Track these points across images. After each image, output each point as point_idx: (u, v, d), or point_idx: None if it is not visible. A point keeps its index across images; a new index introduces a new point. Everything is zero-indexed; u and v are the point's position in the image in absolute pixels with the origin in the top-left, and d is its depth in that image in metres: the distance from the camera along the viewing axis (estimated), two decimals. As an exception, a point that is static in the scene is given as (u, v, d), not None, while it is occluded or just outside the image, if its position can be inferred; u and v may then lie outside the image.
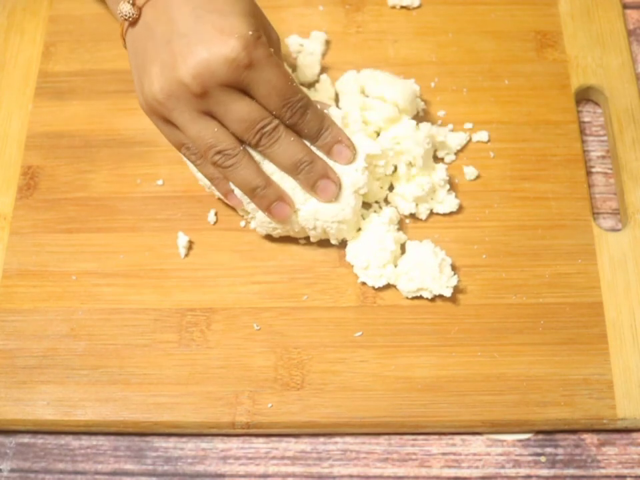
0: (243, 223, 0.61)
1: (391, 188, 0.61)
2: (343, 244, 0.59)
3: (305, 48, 0.67)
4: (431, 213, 0.61)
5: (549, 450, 0.55)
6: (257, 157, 0.55)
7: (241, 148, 0.54)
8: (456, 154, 0.63)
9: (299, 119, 0.54)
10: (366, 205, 0.61)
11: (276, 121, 0.54)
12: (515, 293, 0.58)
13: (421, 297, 0.58)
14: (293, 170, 0.55)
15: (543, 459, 0.55)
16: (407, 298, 0.58)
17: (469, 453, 0.55)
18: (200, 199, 0.61)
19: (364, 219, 0.60)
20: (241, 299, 0.58)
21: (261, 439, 0.56)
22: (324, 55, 0.67)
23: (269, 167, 0.55)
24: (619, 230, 0.61)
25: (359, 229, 0.59)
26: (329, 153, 0.56)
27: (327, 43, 0.68)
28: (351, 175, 0.56)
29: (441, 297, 0.58)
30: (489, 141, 0.64)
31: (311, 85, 0.66)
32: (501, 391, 0.55)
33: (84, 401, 0.56)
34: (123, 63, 0.62)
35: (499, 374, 0.56)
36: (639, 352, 0.56)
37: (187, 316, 0.58)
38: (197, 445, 0.56)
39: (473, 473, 0.54)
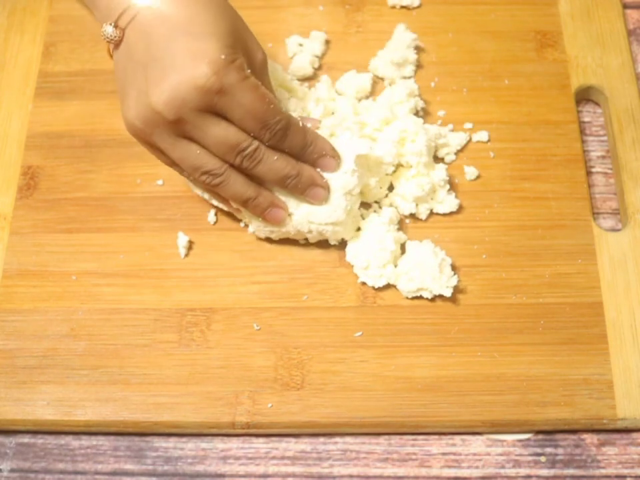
0: (242, 223, 0.61)
1: (391, 188, 0.61)
2: (342, 244, 0.59)
3: (304, 48, 0.67)
4: (431, 213, 0.61)
5: (548, 450, 0.55)
6: None
7: (227, 165, 0.54)
8: (456, 154, 0.63)
9: (280, 140, 0.54)
10: (366, 205, 0.61)
11: (255, 143, 0.53)
12: (515, 293, 0.58)
13: (421, 297, 0.58)
14: (281, 184, 0.55)
15: (543, 459, 0.55)
16: (407, 298, 0.58)
17: (469, 452, 0.55)
18: (200, 199, 0.61)
19: (364, 218, 0.60)
20: (241, 299, 0.58)
21: (261, 439, 0.56)
22: (324, 54, 0.67)
23: None
24: (618, 230, 0.61)
25: (359, 229, 0.59)
26: (314, 165, 0.56)
27: (327, 42, 0.68)
28: (340, 178, 0.56)
29: (441, 296, 0.58)
30: (488, 141, 0.64)
31: (309, 79, 0.66)
32: (501, 390, 0.55)
33: (84, 401, 0.56)
34: (123, 62, 0.62)
35: (499, 374, 0.56)
36: (639, 352, 0.56)
37: (186, 316, 0.58)
38: (197, 445, 0.56)
39: (473, 473, 0.54)
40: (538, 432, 0.56)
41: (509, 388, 0.55)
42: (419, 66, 0.66)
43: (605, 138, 0.65)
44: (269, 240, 0.60)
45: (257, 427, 0.55)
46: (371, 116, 0.61)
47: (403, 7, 0.69)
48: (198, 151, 0.53)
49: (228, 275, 0.59)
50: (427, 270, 0.57)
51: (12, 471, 0.55)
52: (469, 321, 0.57)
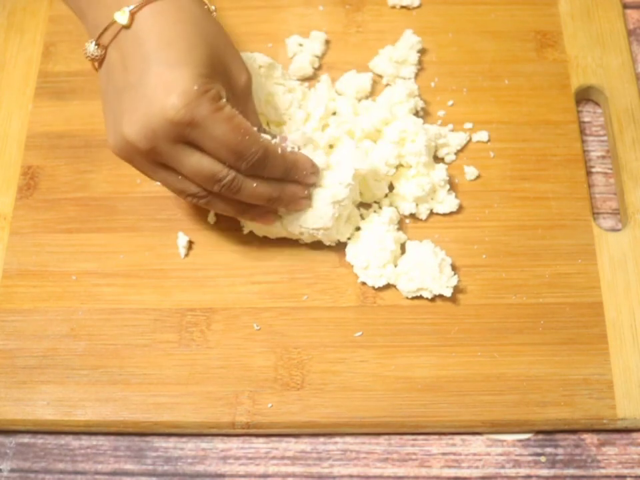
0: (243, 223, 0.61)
1: (391, 188, 0.61)
2: (342, 244, 0.59)
3: (304, 48, 0.67)
4: (431, 213, 0.61)
5: (549, 450, 0.55)
6: None
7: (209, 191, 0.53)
8: (456, 154, 0.63)
9: (258, 168, 0.52)
10: (366, 205, 0.61)
11: (232, 174, 0.52)
12: (515, 293, 0.58)
13: (421, 297, 0.58)
14: (263, 204, 0.55)
15: (543, 459, 0.55)
16: (407, 298, 0.58)
17: (468, 452, 0.55)
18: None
19: (364, 218, 0.60)
20: (241, 299, 0.58)
21: (261, 439, 0.56)
22: (324, 54, 0.67)
23: None
24: (619, 230, 0.61)
25: (359, 229, 0.59)
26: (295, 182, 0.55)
27: (327, 42, 0.68)
28: (333, 187, 0.56)
29: (441, 296, 0.58)
30: (488, 140, 0.64)
31: (309, 79, 0.66)
32: (501, 390, 0.55)
33: (84, 401, 0.56)
34: (123, 62, 0.62)
35: (499, 374, 0.56)
36: (639, 352, 0.56)
37: (186, 316, 0.58)
38: (197, 445, 0.56)
39: (473, 473, 0.54)
40: (538, 432, 0.56)
41: (509, 388, 0.55)
42: (418, 66, 0.66)
43: (605, 138, 0.65)
44: (268, 240, 0.60)
45: (257, 427, 0.55)
46: (371, 116, 0.61)
47: (403, 7, 0.69)
48: (179, 177, 0.53)
49: (228, 275, 0.59)
50: (427, 270, 0.57)
51: (12, 470, 0.55)
52: (468, 321, 0.57)
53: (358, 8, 0.69)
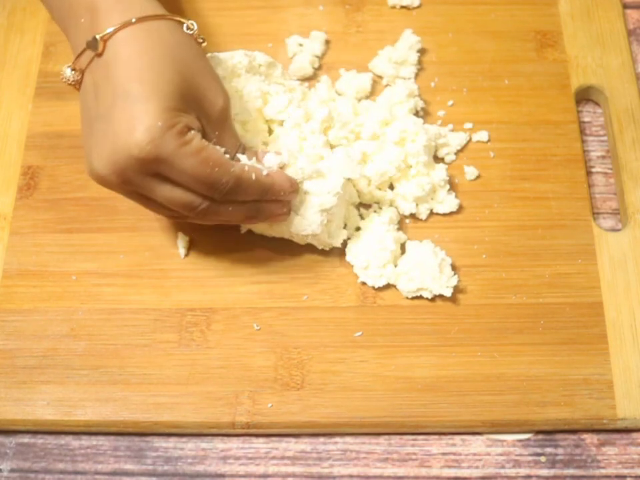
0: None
1: (391, 188, 0.61)
2: (342, 244, 0.59)
3: (304, 48, 0.67)
4: (431, 213, 0.61)
5: (549, 450, 0.55)
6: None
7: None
8: (456, 154, 0.63)
9: (231, 196, 0.52)
10: (366, 205, 0.61)
11: (206, 203, 0.51)
12: (515, 293, 0.58)
13: (421, 297, 0.58)
14: (241, 222, 0.55)
15: (543, 459, 0.55)
16: (407, 298, 0.58)
17: (469, 452, 0.55)
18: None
19: (363, 218, 0.60)
20: (241, 299, 0.58)
21: (261, 439, 0.56)
22: (324, 54, 0.67)
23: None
24: (618, 230, 0.61)
25: (359, 229, 0.59)
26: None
27: (327, 42, 0.68)
28: (321, 196, 0.55)
29: (441, 296, 0.58)
30: (488, 140, 0.64)
31: (309, 79, 0.66)
32: (501, 390, 0.55)
33: (84, 401, 0.56)
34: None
35: (499, 374, 0.56)
36: (639, 352, 0.56)
37: (186, 316, 0.58)
38: (197, 445, 0.56)
39: (473, 473, 0.54)
40: (538, 432, 0.56)
41: (509, 388, 0.55)
42: (418, 66, 0.66)
43: (605, 138, 0.65)
44: (268, 240, 0.60)
45: (257, 427, 0.55)
46: (371, 116, 0.61)
47: (403, 7, 0.69)
48: (153, 207, 0.53)
49: (228, 275, 0.59)
50: (427, 270, 0.57)
51: (12, 470, 0.55)
52: (468, 321, 0.57)
53: (358, 8, 0.69)
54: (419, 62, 0.66)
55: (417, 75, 0.66)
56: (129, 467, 0.55)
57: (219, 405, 0.55)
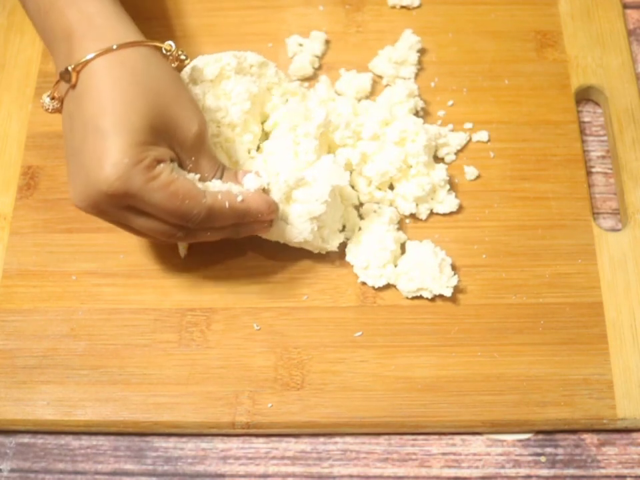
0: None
1: (391, 188, 0.61)
2: (342, 244, 0.59)
3: (304, 48, 0.67)
4: (431, 213, 0.61)
5: (549, 450, 0.55)
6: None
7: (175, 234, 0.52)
8: (456, 154, 0.63)
9: (206, 224, 0.52)
10: (366, 205, 0.61)
11: (181, 232, 0.52)
12: (515, 293, 0.58)
13: (421, 297, 0.58)
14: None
15: (543, 459, 0.55)
16: (407, 298, 0.58)
17: (468, 452, 0.55)
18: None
19: (363, 218, 0.60)
20: (241, 299, 0.58)
21: (261, 439, 0.56)
22: (324, 54, 0.67)
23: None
24: (619, 230, 0.61)
25: (359, 229, 0.59)
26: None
27: (327, 42, 0.68)
28: (309, 204, 0.55)
29: (441, 296, 0.58)
30: (488, 140, 0.64)
31: (309, 79, 0.66)
32: (501, 390, 0.55)
33: (84, 401, 0.56)
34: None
35: (499, 374, 0.56)
36: (639, 352, 0.56)
37: (186, 316, 0.58)
38: (197, 445, 0.56)
39: (473, 473, 0.54)
40: (538, 432, 0.56)
41: (509, 388, 0.55)
42: (418, 66, 0.66)
43: (605, 138, 0.65)
44: (269, 240, 0.60)
45: (257, 427, 0.55)
46: (371, 117, 0.61)
47: (403, 7, 0.69)
48: (135, 232, 0.53)
49: (228, 275, 0.59)
50: (426, 270, 0.57)
51: (12, 470, 0.55)
52: (468, 321, 0.57)
53: (358, 8, 0.69)
54: (419, 62, 0.66)
55: (417, 75, 0.66)
56: (129, 466, 0.55)
57: (219, 405, 0.55)
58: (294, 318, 0.58)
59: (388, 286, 0.58)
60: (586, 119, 0.66)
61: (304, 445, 0.56)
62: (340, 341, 0.57)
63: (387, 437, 0.56)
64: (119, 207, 0.50)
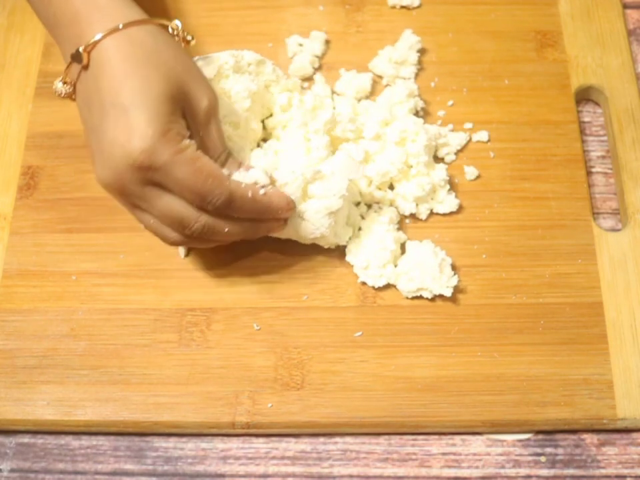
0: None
1: (391, 188, 0.61)
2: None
3: (304, 48, 0.67)
4: (431, 213, 0.61)
5: (549, 450, 0.55)
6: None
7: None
8: (456, 154, 0.63)
9: (225, 211, 0.51)
10: (366, 205, 0.61)
11: (202, 220, 0.51)
12: (515, 293, 0.58)
13: (421, 297, 0.58)
14: (239, 239, 0.55)
15: (543, 459, 0.55)
16: (407, 298, 0.58)
17: (469, 452, 0.55)
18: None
19: (364, 218, 0.60)
20: (241, 299, 0.58)
21: (261, 439, 0.56)
22: (324, 54, 0.67)
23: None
24: (618, 230, 0.61)
25: (360, 229, 0.59)
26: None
27: (327, 42, 0.68)
28: (328, 199, 0.55)
29: (441, 296, 0.58)
30: (489, 140, 0.64)
31: (309, 79, 0.66)
32: (501, 390, 0.55)
33: (84, 401, 0.56)
34: (123, 62, 0.62)
35: (499, 374, 0.56)
36: (639, 352, 0.56)
37: (186, 316, 0.58)
38: (197, 445, 0.56)
39: (473, 473, 0.54)
40: (538, 432, 0.56)
41: (509, 388, 0.55)
42: (418, 66, 0.66)
43: (605, 138, 0.65)
44: (268, 240, 0.60)
45: (257, 427, 0.55)
46: (371, 117, 0.61)
47: (403, 7, 0.69)
48: (152, 220, 0.53)
49: (228, 275, 0.59)
50: (427, 270, 0.57)
51: (12, 470, 0.55)
52: (468, 321, 0.57)
53: (358, 8, 0.69)
54: (419, 62, 0.66)
55: (417, 75, 0.66)
56: (129, 466, 0.55)
57: (219, 405, 0.55)
58: (294, 318, 0.58)
59: (388, 286, 0.58)
60: (586, 119, 0.66)
61: (304, 445, 0.56)
62: (340, 341, 0.57)
63: (386, 437, 0.56)
64: (143, 183, 0.50)
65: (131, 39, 0.50)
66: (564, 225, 0.60)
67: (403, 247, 0.59)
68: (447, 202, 0.61)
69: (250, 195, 0.52)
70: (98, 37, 0.50)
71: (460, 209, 0.61)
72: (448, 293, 0.57)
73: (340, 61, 0.67)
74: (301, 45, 0.67)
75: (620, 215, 0.62)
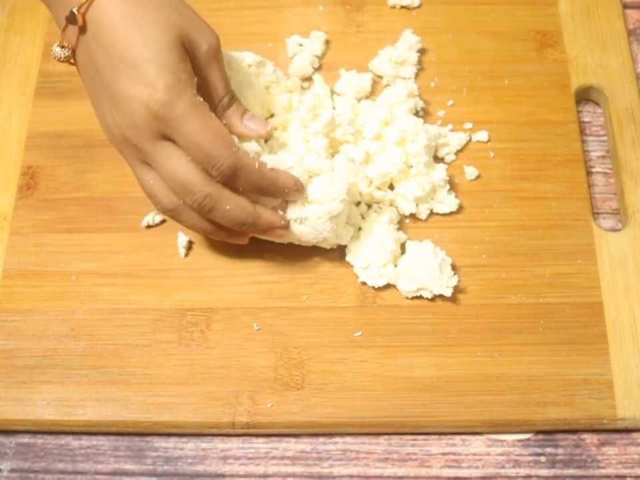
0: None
1: (391, 188, 0.61)
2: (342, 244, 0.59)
3: (304, 48, 0.67)
4: (431, 213, 0.61)
5: (549, 450, 0.55)
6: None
7: (180, 202, 0.52)
8: (456, 154, 0.63)
9: (230, 179, 0.52)
10: (366, 205, 0.61)
11: (206, 190, 0.51)
12: (515, 293, 0.58)
13: (421, 297, 0.58)
14: (236, 229, 0.54)
15: (543, 459, 0.55)
16: (407, 298, 0.58)
17: (469, 452, 0.55)
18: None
19: (364, 218, 0.60)
20: (241, 299, 0.58)
21: (261, 439, 0.56)
22: (324, 54, 0.67)
23: None
24: (618, 230, 0.61)
25: (359, 229, 0.59)
26: (276, 199, 0.55)
27: (327, 42, 0.68)
28: (329, 204, 0.55)
29: (441, 296, 0.58)
30: (488, 140, 0.64)
31: (309, 79, 0.66)
32: (501, 390, 0.55)
33: (84, 401, 0.56)
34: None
35: (499, 374, 0.56)
36: (639, 352, 0.56)
37: (186, 316, 0.58)
38: (197, 445, 0.56)
39: (473, 473, 0.54)
40: (538, 432, 0.56)
41: (509, 388, 0.55)
42: (418, 66, 0.66)
43: (605, 138, 0.65)
44: (269, 240, 0.60)
45: (257, 427, 0.55)
46: (371, 117, 0.61)
47: (403, 7, 0.69)
48: (151, 181, 0.52)
49: (228, 275, 0.59)
50: (427, 270, 0.57)
51: (12, 470, 0.55)
52: (468, 321, 0.57)
53: (358, 8, 0.69)
54: (419, 62, 0.66)
55: (417, 75, 0.66)
56: (129, 466, 0.55)
57: (219, 405, 0.55)
58: (294, 318, 0.58)
59: (388, 286, 0.58)
60: (586, 119, 0.66)
61: (304, 445, 0.56)
62: (340, 341, 0.57)
63: (386, 436, 0.56)
64: (156, 136, 0.50)
65: None
66: (564, 225, 0.60)
67: (403, 247, 0.59)
68: (447, 202, 0.61)
69: (257, 166, 0.52)
70: None
71: (460, 208, 0.61)
72: (448, 293, 0.57)
73: (340, 61, 0.67)
74: (300, 44, 0.67)
75: (620, 215, 0.62)
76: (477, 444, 0.55)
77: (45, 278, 0.60)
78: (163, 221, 0.61)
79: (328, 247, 0.59)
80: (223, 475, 0.55)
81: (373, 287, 0.58)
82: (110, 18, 0.50)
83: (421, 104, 0.64)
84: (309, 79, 0.66)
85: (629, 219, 0.60)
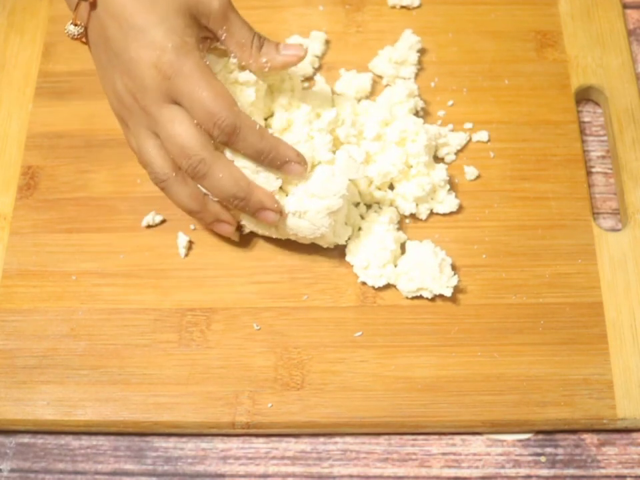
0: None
1: (391, 188, 0.61)
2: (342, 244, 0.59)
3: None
4: (431, 213, 0.61)
5: (549, 450, 0.55)
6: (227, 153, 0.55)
7: (173, 174, 0.54)
8: (456, 154, 0.63)
9: (230, 139, 0.53)
10: (366, 205, 0.61)
11: (202, 154, 0.52)
12: (515, 293, 0.58)
13: (421, 297, 0.58)
14: (227, 203, 0.55)
15: (543, 459, 0.55)
16: (407, 298, 0.58)
17: (469, 452, 0.55)
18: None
19: (364, 218, 0.60)
20: (241, 299, 0.58)
21: (261, 439, 0.56)
22: (324, 54, 0.67)
23: (239, 163, 0.55)
24: (618, 230, 0.61)
25: (359, 229, 0.59)
26: (278, 170, 0.55)
27: (327, 42, 0.68)
28: (329, 198, 0.55)
29: (441, 296, 0.58)
30: (488, 140, 0.64)
31: (309, 79, 0.66)
32: (501, 390, 0.55)
33: (84, 401, 0.56)
34: (123, 62, 0.62)
35: (499, 374, 0.56)
36: (639, 352, 0.56)
37: (186, 316, 0.58)
38: (197, 445, 0.56)
39: (473, 473, 0.54)
40: (538, 432, 0.56)
41: (509, 388, 0.55)
42: (418, 66, 0.66)
43: (605, 138, 0.65)
44: (268, 240, 0.60)
45: (257, 427, 0.55)
46: (371, 117, 0.61)
47: (403, 7, 0.69)
48: (150, 148, 0.54)
49: (228, 275, 0.59)
50: (427, 270, 0.57)
51: (12, 470, 0.55)
52: (468, 321, 0.57)
53: (358, 8, 0.69)
54: (419, 62, 0.66)
55: (417, 75, 0.66)
56: (129, 466, 0.55)
57: (219, 405, 0.55)
58: (294, 318, 0.58)
59: (388, 286, 0.58)
60: (586, 119, 0.66)
61: (304, 445, 0.56)
62: (340, 341, 0.57)
63: (386, 436, 0.56)
64: (163, 99, 0.52)
65: None
66: (564, 225, 0.60)
67: (403, 247, 0.59)
68: (447, 202, 0.61)
69: (257, 127, 0.53)
70: None
71: (460, 208, 0.61)
72: (448, 293, 0.57)
73: (340, 61, 0.67)
74: (300, 44, 0.67)
75: (620, 215, 0.62)
76: (476, 444, 0.55)
77: (45, 278, 0.60)
78: (163, 221, 0.61)
79: (325, 246, 0.59)
80: (222, 475, 0.55)
81: (373, 287, 0.58)
82: None
83: (420, 104, 0.64)
84: (309, 79, 0.66)
85: (629, 219, 0.60)
